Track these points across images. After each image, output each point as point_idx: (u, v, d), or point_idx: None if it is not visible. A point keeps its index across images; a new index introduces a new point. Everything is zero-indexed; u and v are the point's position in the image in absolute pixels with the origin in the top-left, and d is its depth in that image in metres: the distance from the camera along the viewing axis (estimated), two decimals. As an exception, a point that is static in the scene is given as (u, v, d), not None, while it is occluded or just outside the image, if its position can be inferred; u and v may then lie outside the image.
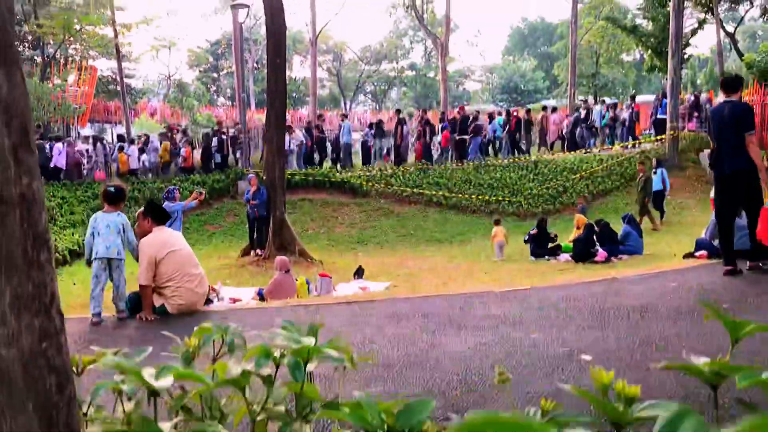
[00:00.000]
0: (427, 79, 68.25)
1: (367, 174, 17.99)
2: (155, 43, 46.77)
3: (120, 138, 21.86)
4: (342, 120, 21.93)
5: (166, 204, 10.87)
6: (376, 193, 17.31)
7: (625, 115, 22.05)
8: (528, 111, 23.88)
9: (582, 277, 7.12)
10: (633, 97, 24.53)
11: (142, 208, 5.65)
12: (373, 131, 21.02)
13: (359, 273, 10.54)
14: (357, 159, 21.12)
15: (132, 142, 21.00)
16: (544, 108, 23.78)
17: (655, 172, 14.94)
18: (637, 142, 20.55)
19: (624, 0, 39.72)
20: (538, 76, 64.84)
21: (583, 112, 22.73)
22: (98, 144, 20.98)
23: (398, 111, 24.73)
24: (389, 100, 76.02)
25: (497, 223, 13.39)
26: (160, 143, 20.25)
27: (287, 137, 19.08)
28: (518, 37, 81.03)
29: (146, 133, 23.14)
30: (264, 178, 12.74)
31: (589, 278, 6.71)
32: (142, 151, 19.83)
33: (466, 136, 19.69)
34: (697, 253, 7.52)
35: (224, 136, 20.56)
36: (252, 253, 12.47)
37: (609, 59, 44.33)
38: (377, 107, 71.87)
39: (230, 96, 62.67)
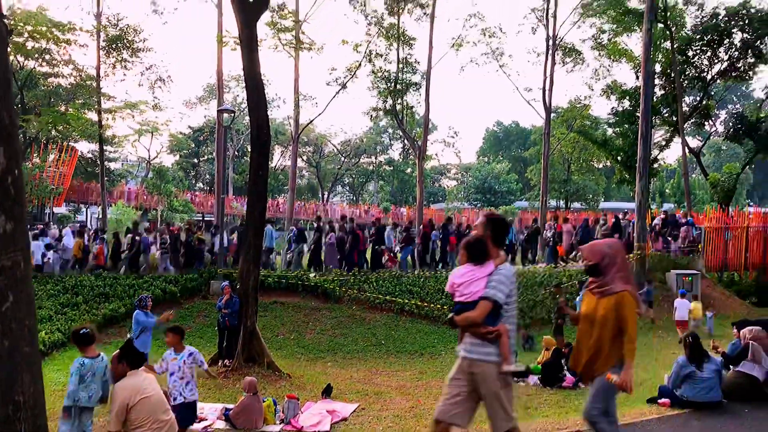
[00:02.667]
0: (405, 174, 69.60)
1: (341, 279, 18.10)
2: (138, 127, 47.21)
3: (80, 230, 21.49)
4: (317, 221, 22.20)
5: (138, 313, 10.84)
6: (349, 299, 17.39)
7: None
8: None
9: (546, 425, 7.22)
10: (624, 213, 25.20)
11: (118, 351, 5.69)
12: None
13: (327, 392, 10.49)
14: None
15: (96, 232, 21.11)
16: (555, 218, 24.32)
17: (578, 295, 15.20)
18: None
19: (597, 110, 41.45)
20: (512, 178, 66.41)
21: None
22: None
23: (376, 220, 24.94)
24: (366, 193, 77.10)
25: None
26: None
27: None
28: (493, 140, 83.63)
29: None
30: (238, 286, 12.79)
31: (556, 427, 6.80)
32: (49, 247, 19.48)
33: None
34: (660, 401, 7.66)
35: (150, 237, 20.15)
36: (220, 362, 12.35)
37: (580, 167, 45.74)
38: (354, 199, 72.82)
39: (209, 182, 63.17)
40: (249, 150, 17.51)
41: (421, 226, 21.54)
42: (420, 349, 15.44)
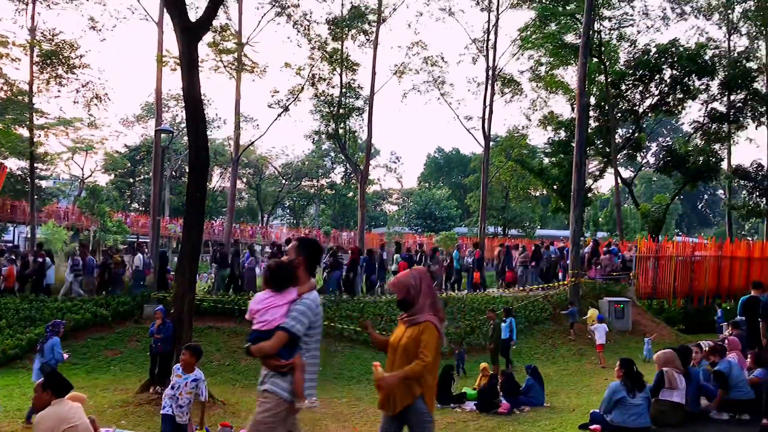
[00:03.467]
0: (346, 198, 69.72)
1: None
2: (72, 144, 45.85)
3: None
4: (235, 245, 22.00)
5: (54, 341, 10.43)
6: (287, 324, 17.15)
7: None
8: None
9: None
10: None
11: (41, 380, 5.44)
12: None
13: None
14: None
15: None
16: (475, 245, 24.62)
17: (504, 321, 15.47)
18: (542, 285, 21.49)
19: (534, 140, 42.48)
20: (452, 204, 67.35)
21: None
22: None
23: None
24: (307, 217, 76.75)
25: None
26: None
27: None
28: (434, 166, 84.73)
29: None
30: (171, 310, 12.46)
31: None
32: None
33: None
34: (591, 426, 7.79)
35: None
36: (151, 389, 11.95)
37: (518, 195, 46.69)
38: (295, 223, 72.39)
39: (144, 202, 61.75)
40: (187, 171, 17.25)
41: (349, 252, 21.39)
42: (358, 375, 15.32)
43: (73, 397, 5.62)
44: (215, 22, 23.83)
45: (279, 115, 29.91)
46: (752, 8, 34.16)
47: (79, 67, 27.17)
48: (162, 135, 25.95)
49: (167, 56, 24.65)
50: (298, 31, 29.32)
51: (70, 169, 54.36)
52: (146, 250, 21.44)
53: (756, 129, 36.56)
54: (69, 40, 27.02)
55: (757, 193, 34.56)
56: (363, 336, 16.99)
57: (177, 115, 50.58)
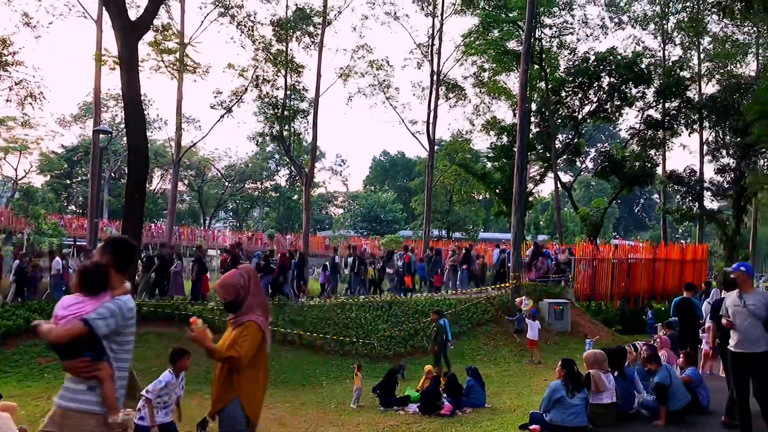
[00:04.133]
0: (291, 201, 69.22)
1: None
2: (4, 144, 44.21)
3: None
4: (197, 250, 21.61)
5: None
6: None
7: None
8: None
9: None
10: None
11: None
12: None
13: (203, 425, 10.08)
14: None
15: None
16: (405, 248, 24.70)
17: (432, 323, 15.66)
18: (485, 288, 21.83)
19: (477, 145, 43.14)
20: (397, 207, 67.67)
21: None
22: None
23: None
24: (251, 219, 75.88)
25: (359, 368, 13.47)
26: None
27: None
28: (380, 169, 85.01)
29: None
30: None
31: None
32: None
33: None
34: (531, 427, 7.95)
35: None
36: (87, 397, 11.59)
37: (462, 199, 47.25)
38: (238, 226, 71.47)
39: (82, 204, 59.97)
40: (126, 172, 16.82)
41: (279, 255, 21.05)
42: (302, 380, 15.24)
43: (2, 407, 5.42)
44: (156, 21, 23.38)
45: (222, 116, 29.54)
46: (685, 19, 35.48)
47: (12, 65, 26.20)
48: (100, 135, 25.33)
49: (106, 55, 23.98)
50: (242, 32, 29.07)
51: (2, 169, 52.37)
52: (71, 253, 20.71)
53: (689, 136, 38.09)
54: (0, 36, 26.05)
55: (690, 198, 35.89)
56: (306, 340, 16.92)
57: (116, 115, 49.31)
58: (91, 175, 28.99)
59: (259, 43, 29.25)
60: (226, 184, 65.08)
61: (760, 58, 35.12)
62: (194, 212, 69.55)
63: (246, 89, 29.47)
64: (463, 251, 23.24)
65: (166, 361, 15.45)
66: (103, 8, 23.71)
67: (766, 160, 26.92)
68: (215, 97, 29.68)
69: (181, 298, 19.02)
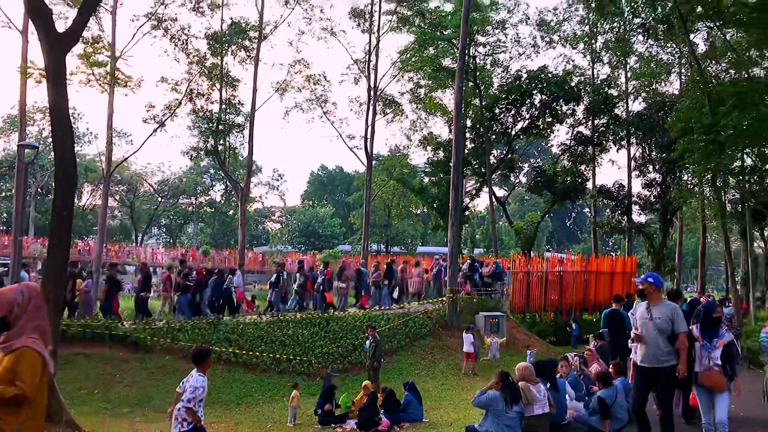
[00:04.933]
0: (227, 217, 68.19)
1: (152, 328, 17.10)
2: None
3: None
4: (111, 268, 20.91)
5: None
6: (162, 348, 16.44)
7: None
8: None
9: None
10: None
11: None
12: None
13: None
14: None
15: None
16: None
17: (368, 338, 15.72)
18: (422, 302, 21.97)
19: (415, 160, 43.51)
20: (336, 222, 67.52)
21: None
22: None
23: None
24: (185, 235, 74.33)
25: (295, 386, 13.30)
26: None
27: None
28: (318, 184, 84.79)
29: None
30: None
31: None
32: None
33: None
34: (468, 442, 8.01)
35: None
36: None
37: (400, 213, 47.57)
38: (171, 242, 69.86)
39: (5, 220, 57.55)
40: (53, 188, 16.26)
41: (194, 273, 20.37)
42: (237, 399, 14.95)
43: None
44: (86, 33, 22.77)
45: (155, 130, 28.87)
46: (612, 40, 36.84)
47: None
48: (26, 150, 24.32)
49: (32, 67, 23.21)
50: (176, 46, 28.57)
51: None
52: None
53: (617, 151, 39.42)
54: None
55: (619, 212, 37.09)
56: (242, 358, 16.63)
57: (43, 129, 47.72)
58: (16, 191, 27.85)
59: (194, 56, 28.85)
60: (159, 199, 63.63)
61: (682, 77, 36.68)
62: (126, 228, 67.69)
63: (180, 103, 28.96)
64: (386, 266, 22.56)
65: (96, 382, 15.02)
66: (29, 19, 22.90)
67: (689, 174, 28.03)
68: (148, 111, 29.05)
69: (89, 318, 18.06)
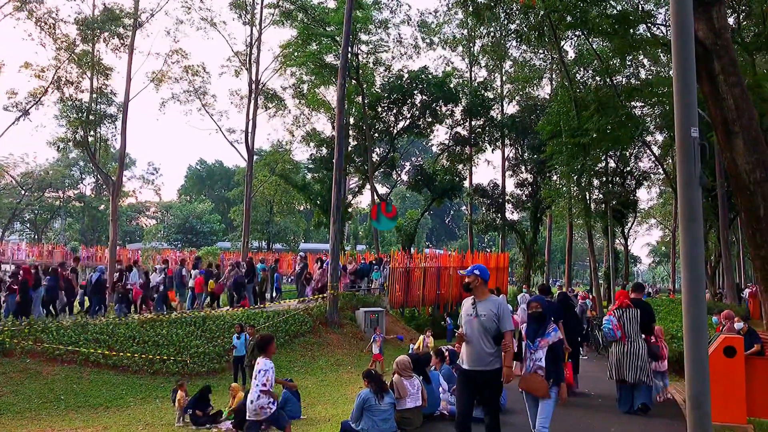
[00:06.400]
0: (97, 212, 64.88)
1: (13, 329, 15.95)
2: None
3: None
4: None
5: None
6: (23, 351, 15.38)
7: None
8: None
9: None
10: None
11: None
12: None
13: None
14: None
15: None
16: (165, 261, 23.91)
17: (238, 337, 15.66)
18: (304, 299, 21.89)
19: (298, 156, 43.28)
20: (215, 218, 65.85)
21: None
22: None
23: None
24: (51, 231, 69.93)
25: (181, 387, 12.83)
26: None
27: None
28: (196, 178, 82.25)
29: None
30: None
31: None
32: None
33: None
34: (341, 435, 8.07)
35: None
36: None
37: (282, 209, 47.13)
38: (37, 238, 65.49)
39: None
40: None
41: (21, 272, 18.97)
42: (106, 402, 14.24)
43: None
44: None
45: (17, 119, 26.98)
46: (489, 44, 38.23)
47: None
48: None
49: None
50: (42, 30, 26.79)
51: None
52: None
53: (492, 152, 41.04)
54: None
55: (494, 209, 38.63)
56: (112, 360, 15.89)
57: None
58: None
59: (62, 42, 27.19)
60: (23, 192, 59.47)
61: (553, 82, 38.68)
62: (-16, 223, 62.74)
63: (46, 91, 27.22)
64: (247, 262, 22.08)
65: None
66: None
67: (558, 175, 29.62)
68: (9, 98, 27.12)
69: None
